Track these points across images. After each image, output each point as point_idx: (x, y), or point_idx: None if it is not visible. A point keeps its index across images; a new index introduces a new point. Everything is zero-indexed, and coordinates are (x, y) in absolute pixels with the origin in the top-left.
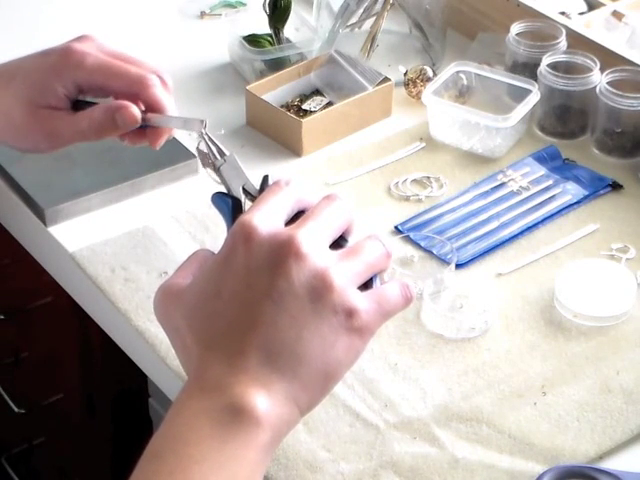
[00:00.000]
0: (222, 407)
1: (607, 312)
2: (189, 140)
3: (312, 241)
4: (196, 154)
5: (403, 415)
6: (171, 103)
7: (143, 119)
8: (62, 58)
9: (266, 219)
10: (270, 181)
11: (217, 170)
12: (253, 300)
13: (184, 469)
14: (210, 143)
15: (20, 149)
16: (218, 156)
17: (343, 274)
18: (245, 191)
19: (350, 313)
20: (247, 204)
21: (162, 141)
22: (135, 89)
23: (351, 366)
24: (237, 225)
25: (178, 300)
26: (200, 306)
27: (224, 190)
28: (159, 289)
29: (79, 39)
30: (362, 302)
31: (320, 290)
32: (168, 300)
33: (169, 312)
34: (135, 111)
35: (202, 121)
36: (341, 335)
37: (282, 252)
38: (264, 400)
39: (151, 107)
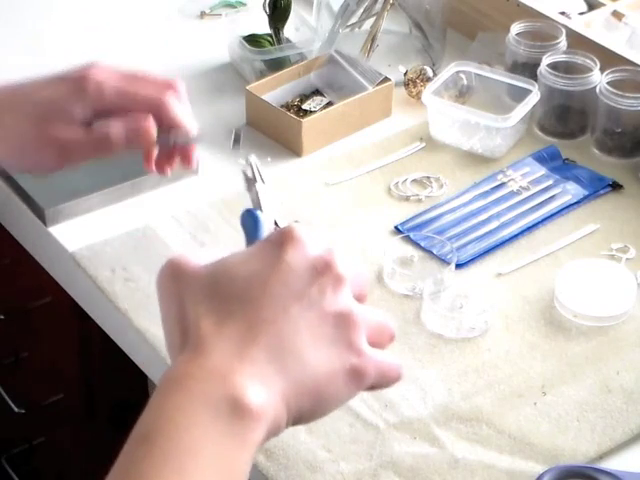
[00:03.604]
0: (221, 395)
1: (607, 312)
2: None
3: (348, 272)
4: (243, 178)
5: (403, 415)
6: (189, 118)
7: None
8: (80, 85)
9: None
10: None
11: (255, 193)
12: (282, 296)
13: (179, 457)
14: (256, 171)
15: (26, 168)
16: (259, 183)
17: (364, 320)
18: (275, 223)
19: (359, 353)
20: None
21: (193, 160)
22: (153, 112)
23: (338, 406)
24: (288, 227)
25: (194, 274)
26: (224, 284)
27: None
28: (172, 258)
29: (91, 66)
30: (371, 351)
31: (345, 321)
32: (181, 271)
33: (178, 280)
34: (151, 127)
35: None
36: (345, 369)
37: (324, 267)
38: (264, 397)
39: (170, 126)
